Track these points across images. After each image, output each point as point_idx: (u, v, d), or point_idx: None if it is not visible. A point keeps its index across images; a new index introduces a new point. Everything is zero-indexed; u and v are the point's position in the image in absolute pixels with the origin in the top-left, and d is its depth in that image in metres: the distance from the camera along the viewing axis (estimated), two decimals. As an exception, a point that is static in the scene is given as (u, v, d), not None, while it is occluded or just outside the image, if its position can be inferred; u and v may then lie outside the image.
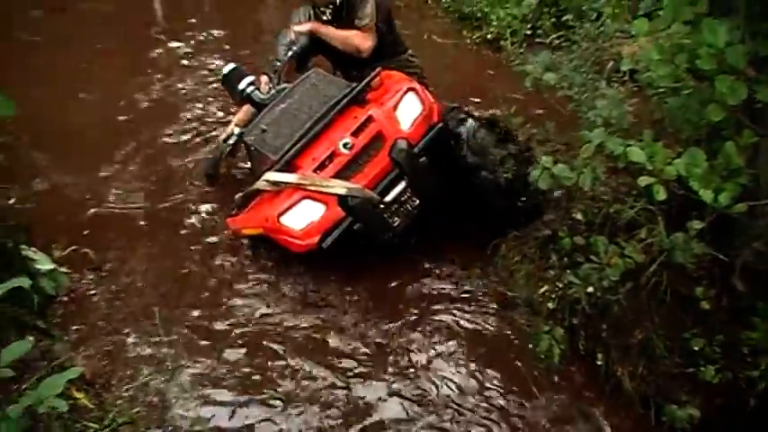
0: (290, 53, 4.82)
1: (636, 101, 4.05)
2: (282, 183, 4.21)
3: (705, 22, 2.82)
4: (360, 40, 4.87)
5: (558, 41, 6.39)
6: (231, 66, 4.89)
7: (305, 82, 4.64)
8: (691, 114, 3.24)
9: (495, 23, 7.22)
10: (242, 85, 4.72)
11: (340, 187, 4.13)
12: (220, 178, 5.28)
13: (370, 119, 4.28)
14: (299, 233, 4.21)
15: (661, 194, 2.97)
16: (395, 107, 4.37)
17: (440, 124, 4.44)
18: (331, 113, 4.30)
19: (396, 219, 4.32)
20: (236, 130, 4.83)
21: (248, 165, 5.15)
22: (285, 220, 4.21)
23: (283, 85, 4.72)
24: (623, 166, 3.46)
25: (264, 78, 4.83)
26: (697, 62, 2.86)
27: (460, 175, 4.43)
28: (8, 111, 3.30)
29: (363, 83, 4.40)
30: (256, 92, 4.72)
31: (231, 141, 4.88)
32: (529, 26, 7.10)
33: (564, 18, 6.79)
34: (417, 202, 4.36)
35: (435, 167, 4.38)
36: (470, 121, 4.52)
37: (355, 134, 4.24)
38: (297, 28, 4.87)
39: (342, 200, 4.14)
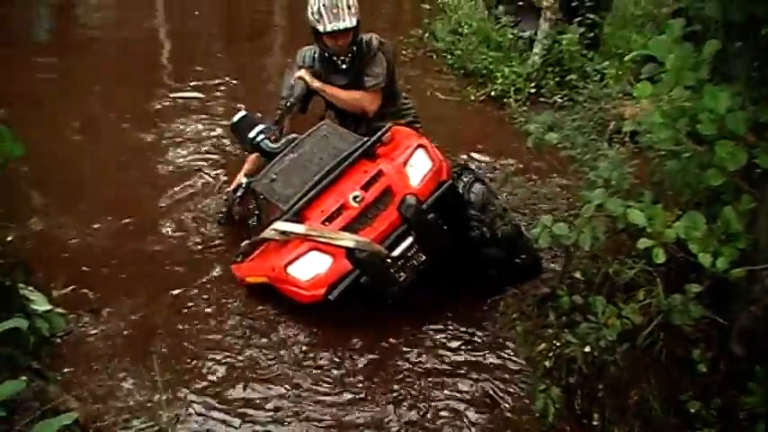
0: (288, 104, 4.86)
1: (636, 162, 4.08)
2: (291, 233, 4.23)
3: (706, 88, 2.87)
4: (367, 103, 4.94)
5: (561, 101, 6.46)
6: (242, 113, 4.91)
7: (316, 133, 4.66)
8: (690, 178, 3.27)
9: (499, 81, 7.32)
10: (252, 134, 4.74)
11: (348, 240, 4.13)
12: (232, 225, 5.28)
13: (380, 173, 4.32)
14: (306, 284, 4.22)
15: (660, 257, 2.99)
16: (405, 163, 4.40)
17: (449, 182, 4.47)
18: (341, 166, 4.34)
19: (402, 274, 4.31)
20: (245, 181, 4.85)
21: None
22: (292, 270, 4.23)
23: (293, 135, 4.74)
24: (623, 227, 3.48)
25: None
26: (698, 127, 2.90)
27: (466, 235, 4.46)
28: (18, 152, 3.33)
29: (375, 137, 4.44)
30: (266, 141, 4.73)
31: (239, 192, 4.89)
32: (533, 85, 7.21)
33: (567, 78, 6.88)
34: (424, 257, 4.36)
35: (443, 224, 4.41)
36: (478, 185, 4.55)
37: (365, 188, 4.27)
38: (304, 76, 4.92)
39: (350, 253, 4.15)
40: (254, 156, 5.02)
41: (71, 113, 6.83)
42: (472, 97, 7.45)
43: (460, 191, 4.51)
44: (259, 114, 4.98)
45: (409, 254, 4.32)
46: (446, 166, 4.58)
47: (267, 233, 4.34)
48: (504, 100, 7.14)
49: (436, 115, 6.76)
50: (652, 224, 3.01)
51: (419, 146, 4.48)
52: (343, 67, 4.96)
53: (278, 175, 4.51)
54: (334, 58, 4.93)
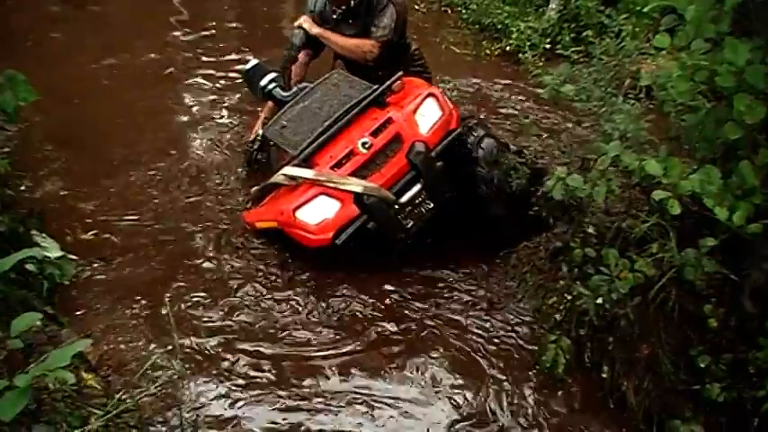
0: (288, 52, 4.87)
1: (651, 118, 4.05)
2: (300, 178, 4.26)
3: (727, 41, 2.84)
4: (366, 49, 4.86)
5: (576, 56, 6.40)
6: (253, 62, 4.93)
7: (327, 81, 4.69)
8: (707, 132, 3.25)
9: (514, 36, 7.23)
10: (263, 82, 4.76)
11: (356, 185, 4.16)
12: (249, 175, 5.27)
13: (389, 120, 4.33)
14: (314, 228, 4.23)
15: (675, 208, 2.98)
16: (414, 111, 4.41)
17: (458, 130, 4.47)
18: (351, 113, 4.35)
19: (409, 220, 4.34)
20: (261, 131, 4.85)
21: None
22: (300, 214, 4.24)
23: (305, 84, 4.75)
24: (637, 182, 3.47)
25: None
26: (716, 79, 2.88)
27: (474, 188, 4.46)
28: (31, 97, 3.33)
29: (384, 86, 4.44)
30: (278, 89, 4.75)
31: (257, 144, 4.90)
32: (548, 40, 7.12)
33: (584, 34, 6.82)
34: (431, 205, 4.38)
35: (451, 172, 4.41)
36: (487, 140, 4.54)
37: (374, 134, 4.29)
38: (304, 25, 4.86)
39: (357, 198, 4.17)
40: (270, 105, 5.02)
41: (83, 64, 6.76)
42: (487, 52, 7.37)
43: (470, 146, 4.51)
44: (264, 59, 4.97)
45: (417, 201, 4.35)
46: (456, 115, 4.57)
47: (276, 178, 4.37)
48: (519, 55, 7.06)
49: (450, 69, 6.69)
50: (668, 175, 2.99)
51: (429, 94, 4.49)
52: (334, 17, 4.91)
53: (288, 122, 4.54)
54: (326, 8, 4.91)
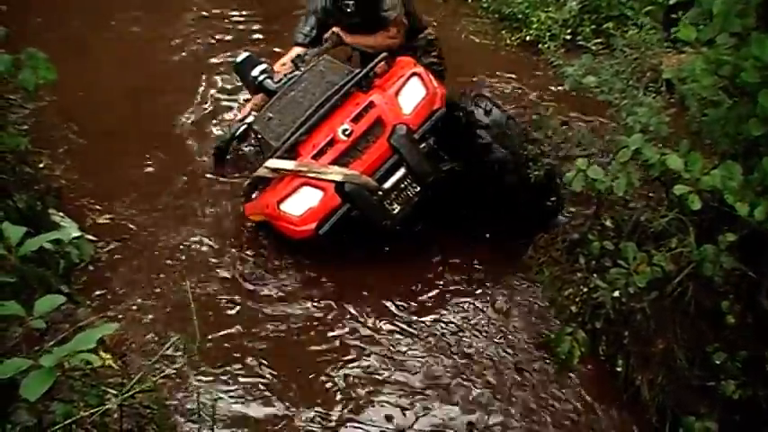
0: (324, 47, 4.82)
1: (672, 112, 4.03)
2: (282, 169, 4.25)
3: (753, 36, 2.81)
4: (390, 41, 4.84)
5: (596, 48, 6.36)
6: (244, 54, 4.96)
7: (313, 69, 4.67)
8: (729, 128, 3.22)
9: (534, 26, 7.18)
10: (255, 73, 4.77)
11: (336, 174, 4.13)
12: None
13: (371, 104, 4.29)
14: (297, 219, 4.22)
15: (696, 204, 2.96)
16: (397, 92, 4.36)
17: (442, 109, 4.40)
18: (332, 100, 4.32)
19: (395, 206, 4.29)
20: (251, 117, 4.82)
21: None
22: (284, 206, 4.24)
23: (294, 73, 4.73)
24: (656, 176, 3.44)
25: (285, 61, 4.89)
26: (742, 75, 2.85)
27: (480, 165, 4.37)
28: (51, 75, 3.32)
29: (365, 69, 4.41)
30: (268, 80, 4.74)
31: (242, 128, 4.85)
32: (569, 31, 7.07)
33: (604, 25, 6.77)
34: (418, 188, 4.32)
35: (443, 153, 4.41)
36: (496, 110, 4.45)
37: (355, 120, 4.25)
38: (339, 32, 4.83)
39: (338, 186, 4.14)
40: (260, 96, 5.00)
41: (97, 47, 6.77)
42: (507, 41, 7.34)
43: (466, 108, 4.40)
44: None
45: (402, 185, 4.29)
46: (441, 93, 4.48)
47: (260, 171, 4.36)
48: (539, 45, 7.01)
49: (469, 58, 6.68)
50: (689, 171, 2.98)
51: (413, 74, 4.43)
52: (348, 10, 4.87)
53: (274, 113, 4.55)
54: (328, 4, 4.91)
